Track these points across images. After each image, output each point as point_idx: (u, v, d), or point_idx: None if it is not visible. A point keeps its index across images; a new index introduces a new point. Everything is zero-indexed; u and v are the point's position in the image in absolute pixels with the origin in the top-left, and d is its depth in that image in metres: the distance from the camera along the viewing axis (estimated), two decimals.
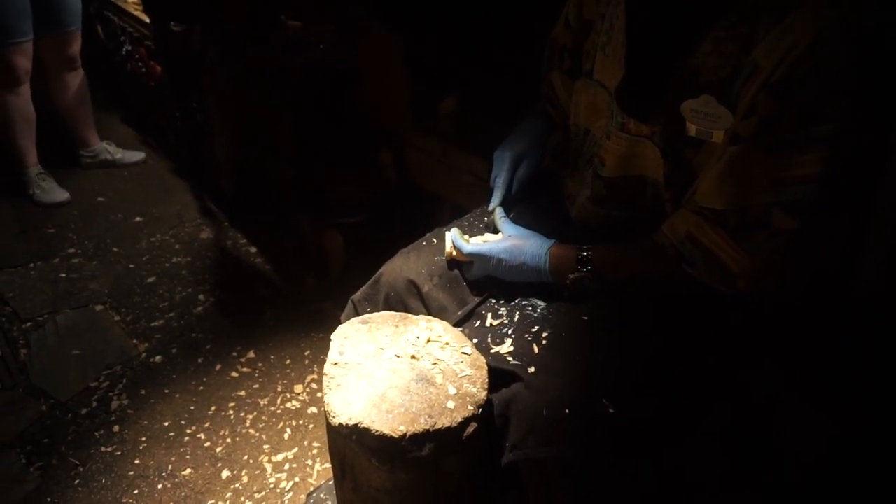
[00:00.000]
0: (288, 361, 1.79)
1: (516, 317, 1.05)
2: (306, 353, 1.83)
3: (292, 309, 1.95)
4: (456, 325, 1.09)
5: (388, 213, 2.05)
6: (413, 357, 1.02)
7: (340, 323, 1.13)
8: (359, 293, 1.20)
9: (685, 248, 0.91)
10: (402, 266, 1.16)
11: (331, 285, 2.11)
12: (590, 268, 1.00)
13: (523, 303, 1.07)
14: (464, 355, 1.01)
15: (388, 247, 1.31)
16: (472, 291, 1.11)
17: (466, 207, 1.34)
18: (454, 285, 1.12)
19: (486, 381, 0.98)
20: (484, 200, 1.25)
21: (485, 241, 1.09)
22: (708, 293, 0.91)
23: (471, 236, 1.12)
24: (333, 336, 1.05)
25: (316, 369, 1.76)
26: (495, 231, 1.12)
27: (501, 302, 1.08)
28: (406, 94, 1.67)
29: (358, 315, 1.18)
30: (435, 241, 1.19)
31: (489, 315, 1.08)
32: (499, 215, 1.12)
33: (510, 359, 0.99)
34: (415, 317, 1.09)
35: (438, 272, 1.13)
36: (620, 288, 0.99)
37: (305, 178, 1.94)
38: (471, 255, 1.06)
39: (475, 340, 1.06)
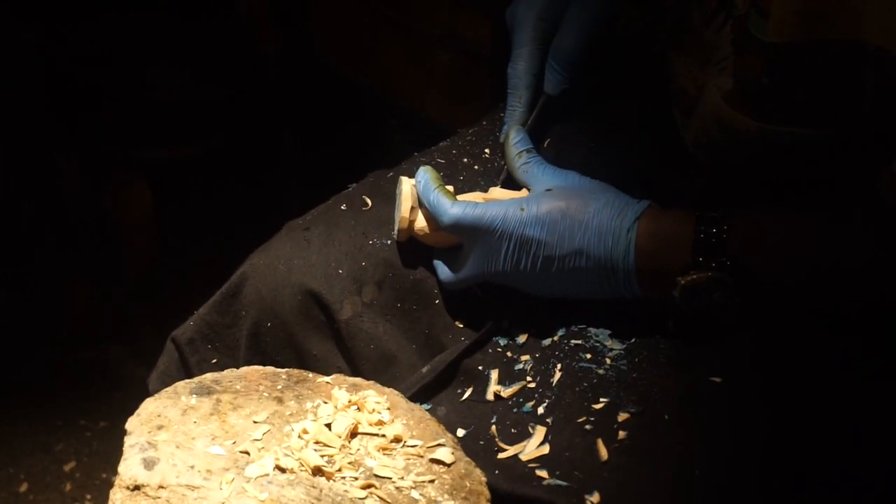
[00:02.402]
0: (25, 487, 1.91)
1: (556, 373, 1.08)
2: (67, 467, 1.94)
3: (35, 362, 2.13)
4: (418, 394, 1.11)
5: (258, 138, 2.17)
6: (319, 471, 0.98)
7: (148, 394, 1.07)
8: (190, 324, 1.23)
9: None
10: (290, 261, 1.18)
11: (126, 306, 2.18)
12: (726, 259, 1.01)
13: (570, 341, 1.10)
14: (436, 466, 1.00)
15: (258, 215, 1.34)
16: (455, 317, 1.16)
17: (445, 126, 1.38)
18: (414, 303, 1.16)
19: None
20: (485, 114, 1.29)
21: (490, 200, 1.11)
22: None
23: (459, 190, 1.16)
24: (132, 427, 1.01)
25: (90, 500, 1.92)
26: (512, 183, 1.15)
27: (521, 339, 1.13)
28: None
29: (188, 371, 1.21)
30: (369, 200, 1.22)
31: (494, 373, 1.10)
32: (519, 148, 1.15)
33: (543, 473, 1.00)
34: (324, 378, 1.09)
35: (378, 274, 1.17)
36: (787, 304, 1.04)
37: (67, 58, 2.08)
38: (458, 226, 1.08)
39: (464, 431, 1.07)
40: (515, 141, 1.16)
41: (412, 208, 1.13)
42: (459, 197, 1.12)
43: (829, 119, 1.06)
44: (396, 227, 1.14)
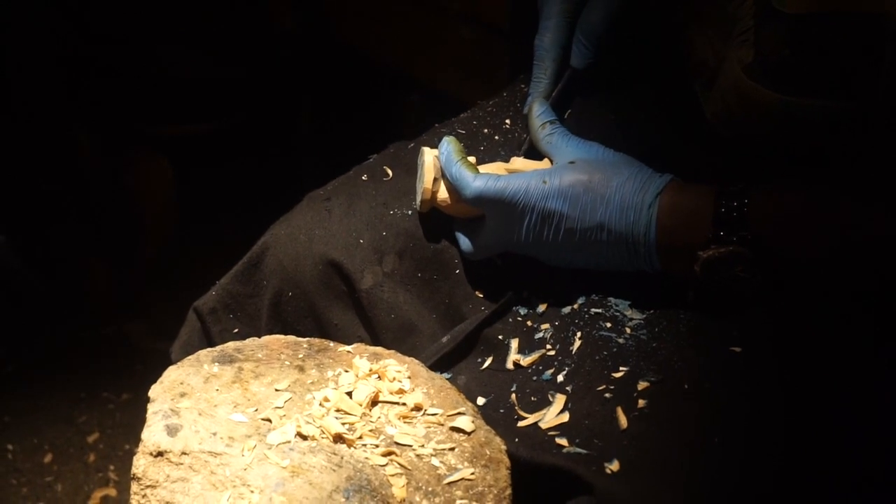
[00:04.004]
0: (49, 458, 1.87)
1: (575, 341, 1.08)
2: (91, 438, 1.92)
3: (57, 337, 2.15)
4: (438, 363, 1.11)
5: (277, 115, 2.19)
6: (340, 439, 0.98)
7: (171, 363, 1.07)
8: (212, 294, 1.22)
9: None
10: (312, 231, 1.19)
11: (146, 279, 2.20)
12: (746, 233, 1.00)
13: (590, 310, 1.10)
14: (456, 434, 1.02)
15: (277, 192, 1.33)
16: (476, 287, 1.16)
17: (463, 101, 1.34)
18: (435, 273, 1.16)
19: (508, 492, 0.97)
20: (505, 86, 1.28)
21: (513, 171, 1.10)
22: None
23: (480, 160, 1.15)
24: (154, 394, 1.01)
25: (113, 471, 1.89)
26: (534, 154, 1.14)
27: (540, 308, 1.13)
28: None
29: (210, 341, 1.20)
30: (390, 171, 1.22)
31: (514, 342, 1.10)
32: (543, 119, 1.14)
33: (563, 441, 1.00)
34: (345, 347, 1.09)
35: (398, 244, 1.17)
36: (805, 280, 1.04)
37: (87, 36, 2.10)
38: (480, 199, 1.07)
39: (484, 400, 1.07)
40: (539, 112, 1.15)
41: (435, 179, 1.12)
42: (481, 168, 1.12)
43: (849, 92, 1.04)
44: (419, 199, 1.14)
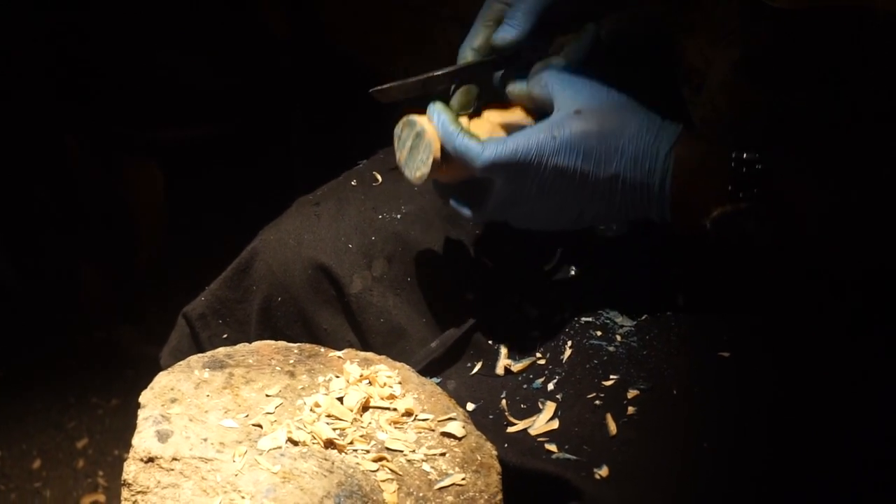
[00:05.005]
0: (38, 463, 1.90)
1: (566, 350, 1.07)
2: (80, 444, 1.94)
3: (47, 342, 2.14)
4: (427, 368, 1.10)
5: (269, 121, 2.18)
6: (331, 444, 0.97)
7: (161, 369, 1.06)
8: (201, 299, 1.22)
9: None
10: (301, 235, 1.18)
11: (137, 285, 2.20)
12: (761, 190, 0.97)
13: (581, 319, 1.09)
14: (447, 440, 1.01)
15: (269, 198, 1.32)
16: (466, 291, 1.15)
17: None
18: (425, 278, 1.15)
19: (499, 498, 0.97)
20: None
21: (507, 124, 1.07)
22: None
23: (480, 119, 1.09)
24: (145, 400, 1.01)
25: (102, 477, 1.90)
26: (537, 110, 1.07)
27: (531, 315, 1.12)
28: None
29: (200, 346, 1.20)
30: (379, 176, 1.22)
31: (504, 348, 1.09)
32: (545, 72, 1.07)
33: (552, 447, 0.99)
34: (336, 352, 1.08)
35: (387, 248, 1.16)
36: (816, 247, 1.00)
37: (78, 41, 2.10)
38: (493, 168, 1.02)
39: (474, 405, 1.06)
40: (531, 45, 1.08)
41: (436, 141, 1.06)
42: (472, 126, 1.08)
43: (837, 87, 1.04)
44: (417, 172, 1.08)
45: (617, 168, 1.01)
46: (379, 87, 1.09)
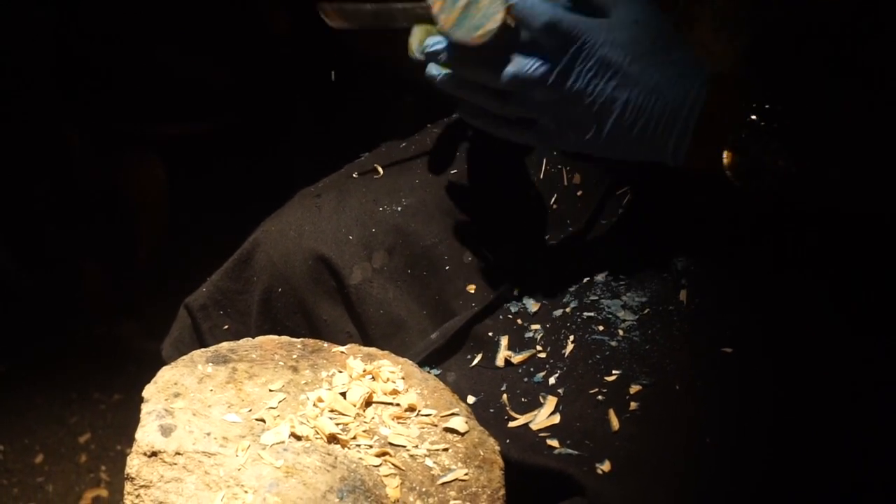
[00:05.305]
0: (40, 458, 1.89)
1: (568, 345, 1.07)
2: (82, 439, 1.94)
3: (49, 337, 2.14)
4: (427, 359, 1.10)
5: (271, 115, 2.20)
6: (334, 439, 0.97)
7: (162, 360, 1.08)
8: (203, 290, 1.22)
9: None
10: (301, 227, 1.18)
11: (139, 279, 2.21)
12: (780, 121, 0.96)
13: (583, 314, 1.09)
14: (449, 435, 1.01)
15: (270, 192, 1.29)
16: (466, 284, 1.14)
17: (455, 99, 1.27)
18: (425, 269, 1.15)
19: (501, 493, 0.96)
20: None
21: None
22: None
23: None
24: (148, 394, 1.01)
25: (104, 472, 1.90)
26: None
27: (532, 308, 1.11)
28: None
29: (201, 337, 1.20)
30: (381, 168, 1.21)
31: (504, 339, 1.09)
32: None
33: (553, 442, 0.99)
34: (339, 348, 1.08)
35: (388, 241, 1.16)
36: (839, 192, 1.00)
37: (79, 36, 2.11)
38: (553, 29, 0.99)
39: (474, 398, 1.06)
40: None
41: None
42: None
43: (853, 70, 1.02)
44: (478, 31, 1.00)
45: (658, 81, 0.99)
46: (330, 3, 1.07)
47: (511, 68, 1.01)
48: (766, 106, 0.97)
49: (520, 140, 1.07)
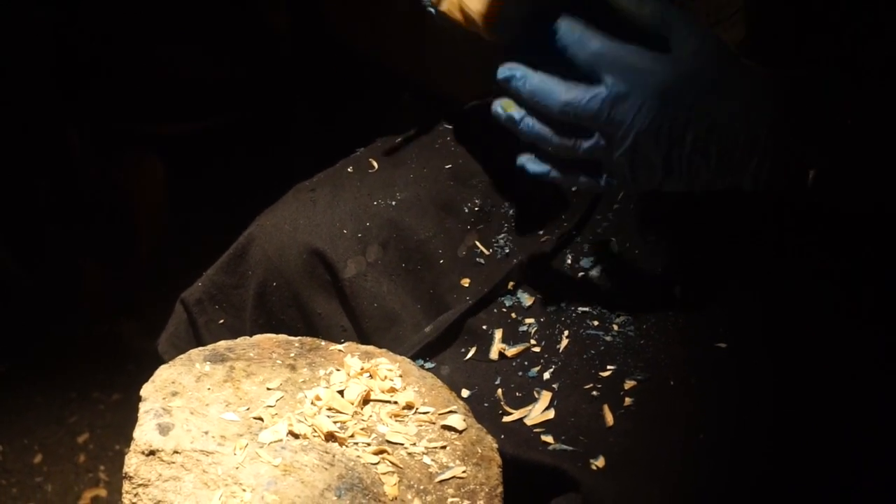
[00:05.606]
0: (39, 458, 1.89)
1: (563, 339, 1.07)
2: (81, 439, 1.93)
3: (49, 337, 2.14)
4: (420, 353, 1.10)
5: (270, 114, 2.19)
6: (332, 437, 0.97)
7: (162, 361, 1.06)
8: (198, 285, 1.22)
9: None
10: (296, 221, 1.17)
11: (138, 279, 2.20)
12: (858, 145, 0.93)
13: (577, 309, 1.09)
14: (447, 433, 1.00)
15: (270, 191, 1.29)
16: (460, 277, 1.15)
17: (456, 97, 1.35)
18: (419, 263, 1.15)
19: (499, 490, 0.96)
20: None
21: None
22: None
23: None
24: (146, 393, 1.00)
25: (103, 471, 1.90)
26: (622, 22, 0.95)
27: (526, 302, 1.11)
28: None
29: (196, 332, 1.21)
30: (376, 163, 1.21)
31: (498, 332, 1.08)
32: None
33: (548, 438, 0.99)
34: (337, 346, 1.08)
35: (382, 235, 1.15)
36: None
37: (79, 34, 2.11)
38: (596, 64, 0.93)
39: (469, 392, 1.06)
40: None
41: None
42: None
43: (845, 61, 1.01)
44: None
45: (731, 111, 0.93)
46: None
47: (564, 95, 0.94)
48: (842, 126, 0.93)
49: (590, 188, 1.01)
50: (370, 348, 1.08)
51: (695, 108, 0.92)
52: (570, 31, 0.94)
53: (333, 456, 0.94)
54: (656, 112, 0.92)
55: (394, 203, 1.16)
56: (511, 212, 1.18)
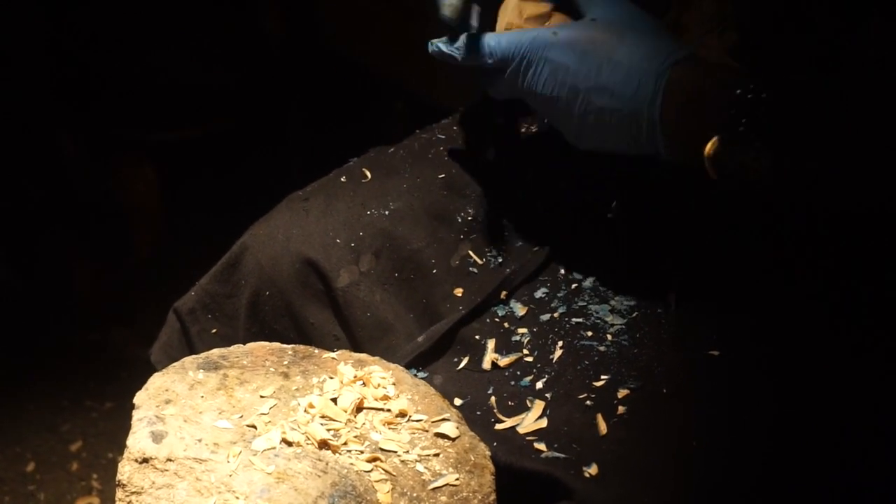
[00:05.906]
0: (31, 467, 1.91)
1: (556, 350, 1.07)
2: (74, 447, 1.94)
3: (41, 344, 2.14)
4: (413, 362, 1.10)
5: (264, 121, 2.19)
6: (325, 445, 0.97)
7: (152, 365, 1.08)
8: (191, 294, 1.22)
9: None
10: (289, 230, 1.17)
11: (132, 286, 2.20)
12: (765, 120, 0.92)
13: (571, 320, 1.08)
14: (440, 440, 1.01)
15: (263, 198, 1.29)
16: (453, 287, 1.14)
17: (450, 108, 1.31)
18: (412, 273, 1.14)
19: (492, 498, 0.96)
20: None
21: (532, 19, 1.06)
22: None
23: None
24: (139, 401, 1.00)
25: (96, 480, 1.91)
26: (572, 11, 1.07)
27: (520, 312, 1.11)
28: None
29: (189, 341, 1.20)
30: (369, 173, 1.21)
31: (491, 342, 1.09)
32: None
33: (541, 446, 0.99)
34: (330, 354, 1.08)
35: (375, 244, 1.15)
36: (823, 190, 0.97)
37: (72, 40, 2.12)
38: (498, 57, 1.03)
39: (461, 401, 1.06)
40: None
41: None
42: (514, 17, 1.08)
43: (836, 64, 1.01)
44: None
45: (606, 79, 0.98)
46: None
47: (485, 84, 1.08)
48: (750, 96, 0.95)
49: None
50: (363, 356, 1.07)
51: (574, 73, 0.99)
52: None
53: (327, 463, 0.94)
54: (544, 78, 1.01)
55: (387, 213, 1.16)
56: (504, 222, 1.17)
